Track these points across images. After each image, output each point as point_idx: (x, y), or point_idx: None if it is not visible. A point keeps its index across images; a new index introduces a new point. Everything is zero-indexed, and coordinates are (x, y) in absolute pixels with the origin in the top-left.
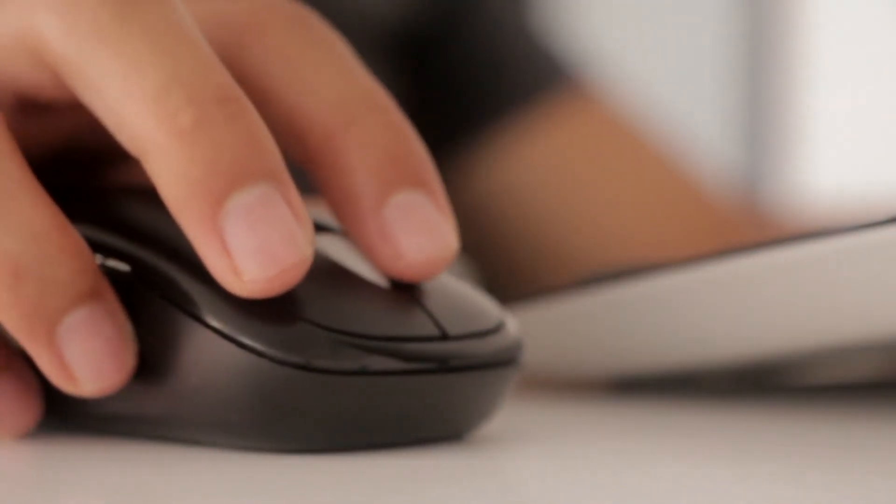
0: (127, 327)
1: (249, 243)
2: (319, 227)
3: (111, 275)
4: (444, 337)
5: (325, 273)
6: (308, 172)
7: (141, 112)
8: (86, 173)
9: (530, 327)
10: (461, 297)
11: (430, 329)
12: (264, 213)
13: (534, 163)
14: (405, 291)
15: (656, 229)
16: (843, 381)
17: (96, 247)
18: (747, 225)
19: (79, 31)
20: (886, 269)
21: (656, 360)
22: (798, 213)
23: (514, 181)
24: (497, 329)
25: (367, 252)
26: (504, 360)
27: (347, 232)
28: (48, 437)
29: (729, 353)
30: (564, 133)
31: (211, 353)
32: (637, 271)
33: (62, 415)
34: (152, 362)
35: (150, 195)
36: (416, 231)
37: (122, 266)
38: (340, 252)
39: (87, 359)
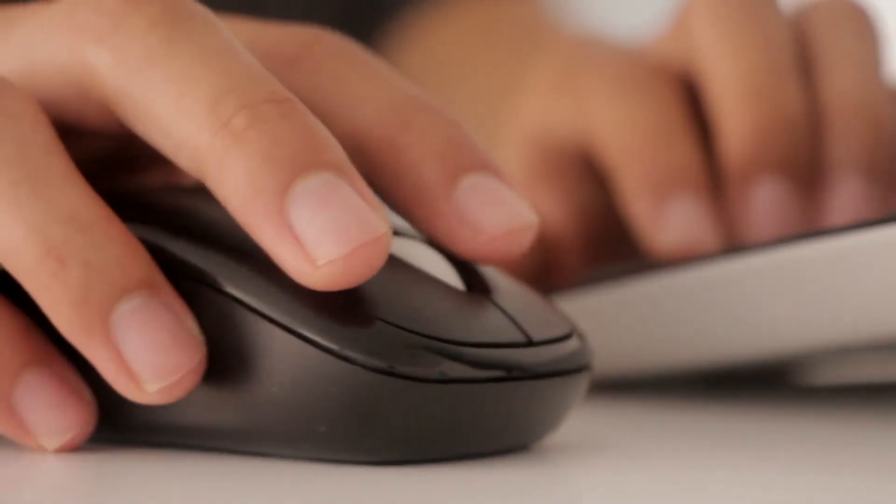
0: (191, 324)
1: (318, 224)
2: (394, 232)
3: (177, 282)
4: (530, 343)
5: (406, 277)
6: (373, 181)
7: (196, 126)
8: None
9: None
10: (532, 300)
11: (515, 335)
12: (331, 194)
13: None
14: (483, 295)
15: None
16: (843, 382)
17: (158, 255)
18: None
19: (130, 60)
20: (886, 268)
21: (657, 360)
22: None
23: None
24: (571, 333)
25: (445, 238)
26: (583, 365)
27: (422, 225)
28: (107, 453)
29: (729, 353)
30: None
31: (295, 359)
32: (635, 271)
33: (123, 427)
34: (225, 369)
35: (207, 194)
36: (489, 206)
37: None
38: (418, 256)
39: (148, 353)
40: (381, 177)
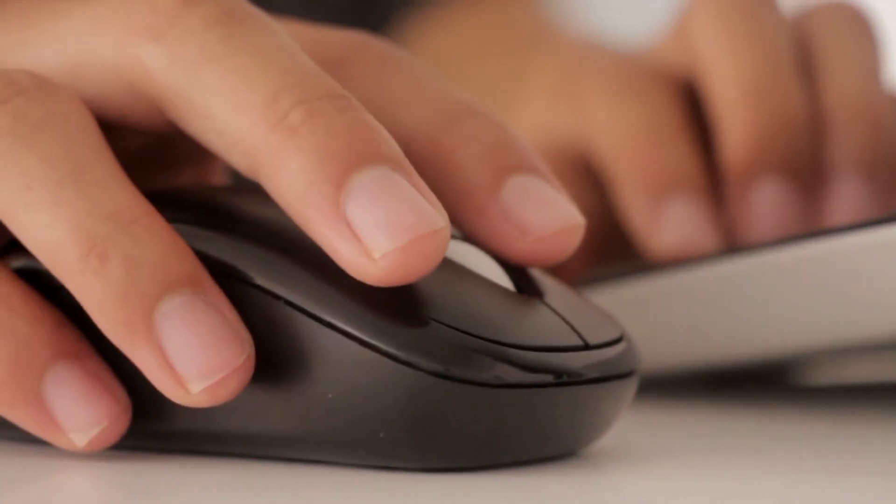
0: (237, 322)
1: (375, 216)
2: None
3: (226, 285)
4: (586, 346)
5: (459, 279)
6: None
7: (251, 122)
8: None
9: None
10: (581, 303)
11: (572, 338)
12: (387, 188)
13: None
14: (536, 298)
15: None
16: (843, 382)
17: (205, 256)
18: None
19: (186, 58)
20: (886, 268)
21: (657, 360)
22: None
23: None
24: (622, 336)
25: (491, 239)
26: (635, 369)
27: (467, 226)
28: (149, 463)
29: (729, 353)
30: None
31: (351, 363)
32: (635, 272)
33: (167, 436)
34: (278, 375)
35: (257, 194)
36: (536, 206)
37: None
38: (468, 258)
39: (191, 351)
40: (426, 178)
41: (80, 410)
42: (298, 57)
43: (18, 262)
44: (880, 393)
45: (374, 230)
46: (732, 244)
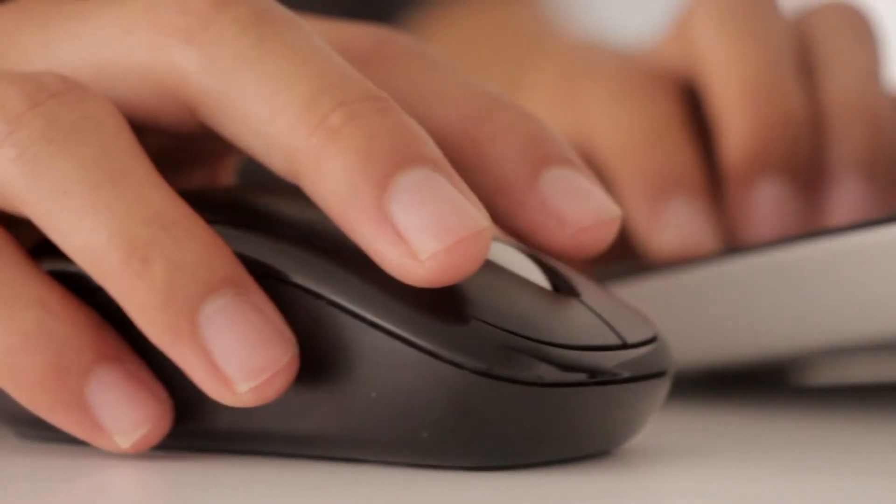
0: (280, 322)
1: (420, 217)
2: None
3: (266, 287)
4: (624, 345)
5: (498, 278)
6: None
7: (291, 124)
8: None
9: None
10: (616, 302)
11: (610, 338)
12: (430, 189)
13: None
14: (573, 297)
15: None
16: (843, 382)
17: (244, 259)
18: None
19: (221, 61)
20: (886, 268)
21: None
22: None
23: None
24: (657, 335)
25: (529, 231)
26: (670, 368)
27: (505, 219)
28: (191, 462)
29: (729, 352)
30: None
31: (395, 362)
32: (635, 272)
33: (209, 436)
34: (321, 374)
35: (290, 194)
36: (575, 198)
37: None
38: (504, 257)
39: (237, 352)
40: (462, 172)
41: (125, 413)
42: (333, 58)
43: (50, 265)
44: (880, 393)
45: (419, 232)
46: (732, 244)
